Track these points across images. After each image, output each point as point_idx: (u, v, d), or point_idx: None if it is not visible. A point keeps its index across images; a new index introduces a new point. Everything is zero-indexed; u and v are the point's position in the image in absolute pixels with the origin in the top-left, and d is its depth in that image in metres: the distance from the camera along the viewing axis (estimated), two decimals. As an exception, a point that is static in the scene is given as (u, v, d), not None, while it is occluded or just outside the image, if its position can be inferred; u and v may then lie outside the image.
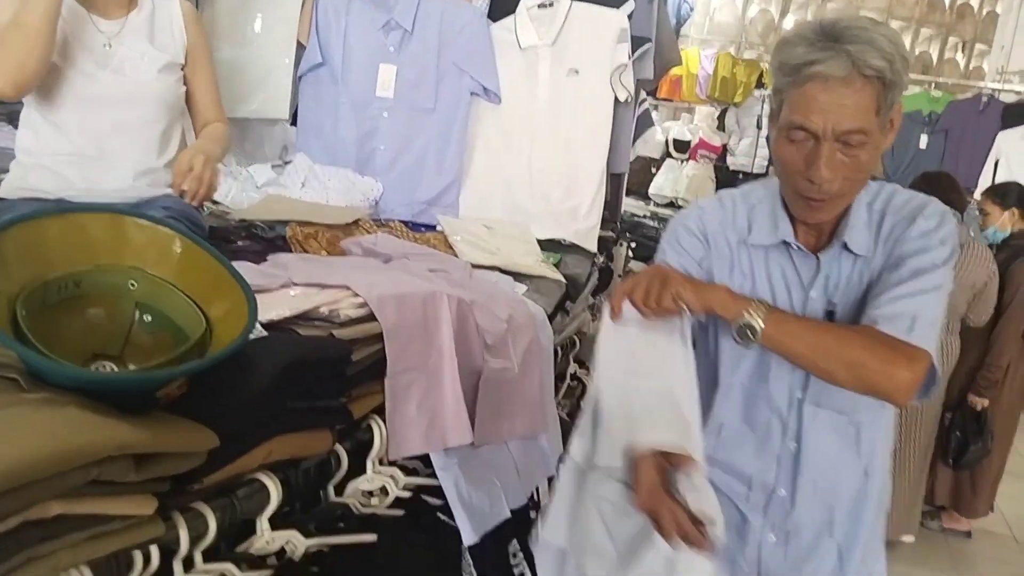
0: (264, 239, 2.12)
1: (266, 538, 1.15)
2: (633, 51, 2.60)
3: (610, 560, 1.19)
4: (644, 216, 5.97)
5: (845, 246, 1.27)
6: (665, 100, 7.36)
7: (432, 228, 2.50)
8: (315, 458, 1.28)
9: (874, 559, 1.42)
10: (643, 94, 3.07)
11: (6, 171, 1.89)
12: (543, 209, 2.64)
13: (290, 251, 2.00)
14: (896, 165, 5.73)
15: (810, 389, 1.31)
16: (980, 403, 3.53)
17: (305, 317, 1.41)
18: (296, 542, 1.18)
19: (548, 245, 2.54)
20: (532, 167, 2.66)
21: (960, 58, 9.12)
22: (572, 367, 2.42)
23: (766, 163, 6.16)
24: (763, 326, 1.15)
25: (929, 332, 1.16)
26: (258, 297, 1.17)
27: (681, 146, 7.07)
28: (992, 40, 6.96)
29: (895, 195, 1.29)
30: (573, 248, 2.61)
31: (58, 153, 1.83)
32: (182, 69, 1.97)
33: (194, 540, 1.01)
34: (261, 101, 2.74)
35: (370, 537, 1.27)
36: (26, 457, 0.76)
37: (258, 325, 1.23)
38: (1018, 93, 5.59)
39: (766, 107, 5.96)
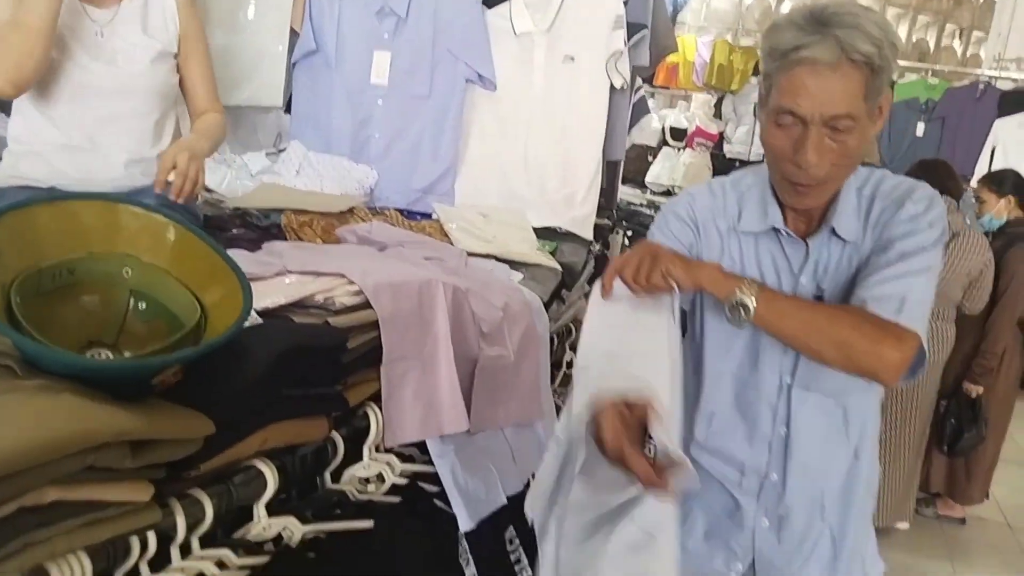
0: (259, 227, 2.12)
1: (263, 524, 1.15)
2: (629, 37, 2.59)
3: (588, 520, 1.20)
4: (641, 204, 5.96)
5: (834, 232, 1.27)
6: (662, 88, 7.35)
7: (427, 216, 2.50)
8: (311, 445, 1.28)
9: (864, 542, 1.44)
10: (639, 81, 3.06)
11: (-2, 159, 1.89)
12: (539, 197, 2.64)
13: (285, 239, 2.00)
14: (893, 153, 5.73)
15: (799, 374, 1.32)
16: (975, 390, 3.55)
17: (300, 305, 1.41)
18: (293, 528, 1.19)
19: (544, 233, 2.54)
20: (528, 154, 2.65)
21: (957, 45, 9.11)
22: (568, 355, 2.42)
23: (763, 151, 6.15)
24: (755, 304, 1.14)
25: (918, 313, 1.16)
26: (253, 285, 1.17)
27: (678, 134, 7.06)
28: (989, 27, 6.95)
29: (884, 180, 1.29)
30: (569, 236, 2.61)
31: (49, 143, 1.82)
32: (175, 58, 1.95)
33: (191, 526, 1.01)
34: (255, 88, 2.73)
35: (367, 524, 1.28)
36: (22, 443, 0.76)
37: (253, 313, 1.22)
38: (1015, 80, 5.59)
39: (762, 94, 5.93)
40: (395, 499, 1.40)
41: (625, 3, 2.59)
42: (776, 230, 1.31)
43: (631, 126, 3.09)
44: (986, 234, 3.57)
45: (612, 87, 2.64)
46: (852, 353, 1.14)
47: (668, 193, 6.55)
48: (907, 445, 3.45)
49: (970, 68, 6.82)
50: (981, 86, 5.52)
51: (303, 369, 1.21)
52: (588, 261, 2.57)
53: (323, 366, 1.28)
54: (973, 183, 4.60)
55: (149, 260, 1.13)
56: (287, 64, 2.71)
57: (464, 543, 1.53)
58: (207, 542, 1.08)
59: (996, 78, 5.64)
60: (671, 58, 6.27)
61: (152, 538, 0.96)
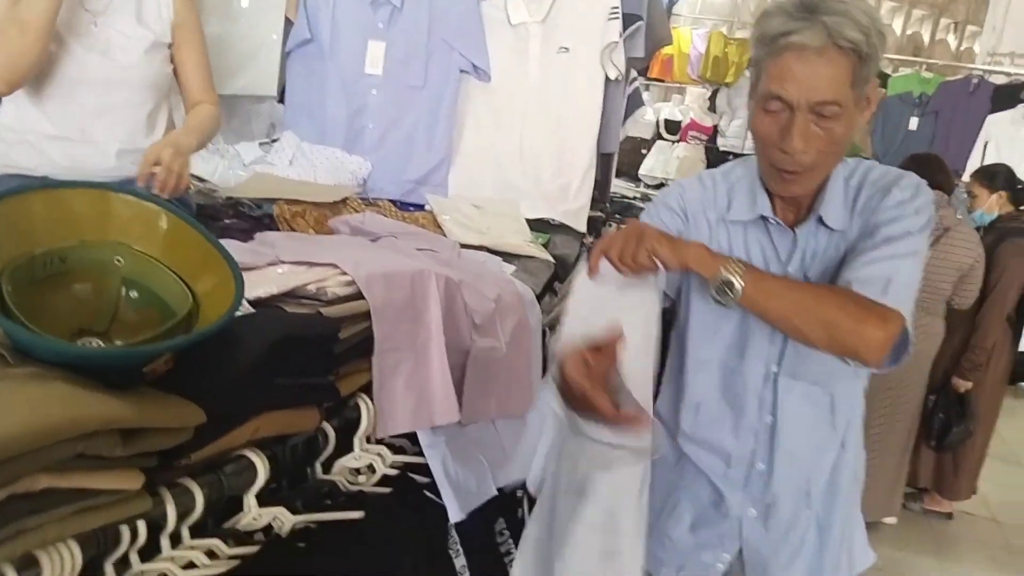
0: (251, 217, 2.11)
1: (253, 514, 1.15)
2: (624, 29, 2.59)
3: (558, 497, 1.21)
4: (634, 197, 5.95)
5: (821, 220, 1.29)
6: (656, 80, 7.35)
7: (421, 207, 2.50)
8: (302, 435, 1.28)
9: (851, 531, 1.45)
10: (634, 73, 3.06)
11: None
12: (533, 188, 2.64)
13: (277, 229, 2.00)
14: (886, 146, 5.75)
15: (785, 362, 1.33)
16: (964, 386, 3.56)
17: (292, 295, 1.40)
18: (283, 518, 1.19)
19: (537, 225, 2.55)
20: (523, 145, 2.65)
21: (952, 39, 9.13)
22: (560, 347, 2.43)
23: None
24: (741, 283, 1.14)
25: (903, 295, 1.17)
26: (245, 275, 1.16)
27: (672, 127, 7.06)
28: (983, 22, 6.95)
29: (872, 170, 1.31)
30: (562, 228, 2.61)
31: (41, 133, 1.82)
32: (169, 48, 1.94)
33: (181, 516, 1.01)
34: (249, 78, 2.73)
35: (357, 514, 1.28)
36: (13, 430, 0.76)
37: (245, 302, 1.22)
38: (1008, 75, 5.60)
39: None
40: (386, 490, 1.40)
41: (620, -6, 2.59)
42: (764, 219, 1.32)
43: (626, 118, 3.08)
44: (977, 229, 3.58)
45: (607, 78, 2.64)
46: (836, 332, 1.14)
47: (662, 186, 6.55)
48: (895, 440, 3.47)
49: (964, 62, 6.83)
50: (975, 81, 5.54)
51: (295, 359, 1.21)
52: (581, 253, 2.57)
53: (315, 356, 1.28)
54: (965, 178, 4.61)
55: (141, 248, 1.13)
56: (281, 53, 2.70)
57: (454, 534, 1.53)
58: (197, 532, 1.07)
59: (989, 72, 5.66)
60: (666, 50, 6.27)
61: (142, 527, 0.96)
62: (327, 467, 1.37)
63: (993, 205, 3.73)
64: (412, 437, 1.52)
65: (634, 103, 3.39)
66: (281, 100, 2.79)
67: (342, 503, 1.31)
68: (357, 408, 1.39)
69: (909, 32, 8.73)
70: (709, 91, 7.29)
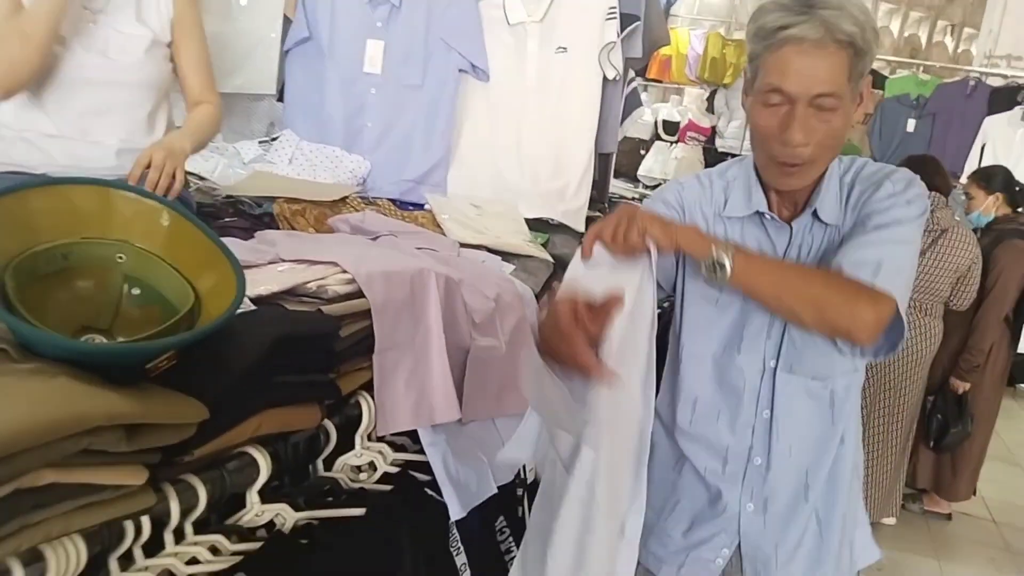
0: (251, 216, 2.12)
1: (256, 511, 1.16)
2: (622, 29, 2.60)
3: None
4: (633, 198, 5.96)
5: (816, 216, 1.30)
6: (655, 81, 7.36)
7: (420, 207, 2.50)
8: (304, 433, 1.29)
9: (852, 527, 1.46)
10: (632, 73, 3.06)
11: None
12: (531, 188, 2.64)
13: (277, 228, 2.00)
14: (884, 148, 5.76)
15: (783, 357, 1.34)
16: (962, 387, 3.57)
17: (293, 293, 1.41)
18: (286, 515, 1.19)
19: (536, 225, 2.54)
20: (521, 145, 2.65)
21: (949, 41, 9.15)
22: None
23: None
24: (732, 262, 1.14)
25: (895, 280, 1.18)
26: (246, 272, 1.17)
27: (670, 128, 7.07)
28: (981, 24, 6.97)
29: (865, 167, 1.33)
30: (561, 228, 2.61)
31: (40, 131, 1.81)
32: (169, 46, 1.93)
33: (184, 512, 1.01)
34: (247, 76, 2.73)
35: (358, 511, 1.28)
36: (18, 424, 0.76)
37: (246, 300, 1.23)
38: (1005, 77, 5.62)
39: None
40: (387, 487, 1.41)
41: (618, -6, 2.59)
42: (760, 214, 1.34)
43: (624, 118, 3.09)
44: (974, 230, 3.59)
45: (605, 78, 2.64)
46: (826, 311, 1.15)
47: (660, 187, 6.56)
48: (894, 440, 3.48)
49: (961, 64, 6.85)
50: (972, 83, 5.55)
51: (296, 356, 1.22)
52: (580, 253, 2.57)
53: (316, 354, 1.28)
54: (963, 180, 4.62)
55: (143, 245, 1.13)
56: (280, 52, 2.70)
57: (455, 532, 1.53)
58: (200, 528, 1.08)
59: (987, 74, 5.67)
60: (664, 51, 6.28)
61: (146, 523, 0.96)
62: (328, 464, 1.37)
63: (990, 207, 3.74)
64: (413, 435, 1.52)
65: (632, 103, 3.40)
66: (280, 98, 2.79)
67: (344, 500, 1.32)
68: (358, 406, 1.40)
69: (906, 34, 8.75)
70: (707, 92, 7.31)
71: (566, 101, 2.64)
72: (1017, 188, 3.78)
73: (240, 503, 1.16)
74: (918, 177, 1.30)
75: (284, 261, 1.52)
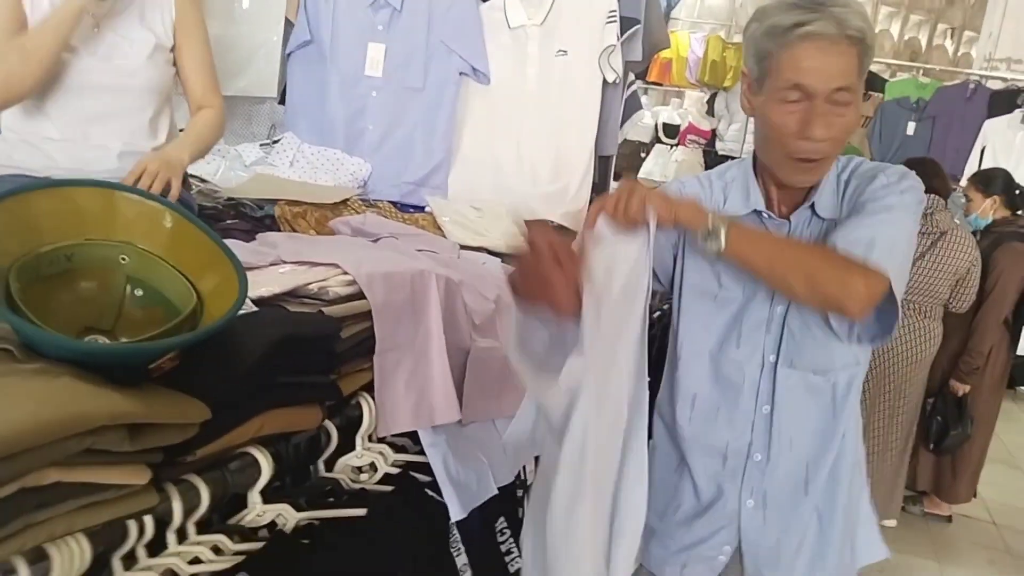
0: (253, 218, 2.12)
1: (257, 511, 1.16)
2: (622, 32, 2.61)
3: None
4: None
5: (814, 210, 1.33)
6: (655, 84, 7.37)
7: (420, 209, 2.51)
8: (305, 434, 1.29)
9: (854, 524, 1.46)
10: (632, 76, 3.07)
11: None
12: (531, 190, 2.65)
13: (279, 230, 2.01)
14: (884, 151, 5.75)
15: (783, 351, 1.34)
16: (961, 389, 3.57)
17: (294, 294, 1.41)
18: (287, 515, 1.20)
19: (536, 227, 2.55)
20: (521, 148, 2.66)
21: (949, 44, 9.15)
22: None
23: (754, 149, 6.18)
24: (727, 232, 1.16)
25: (888, 258, 1.19)
26: (248, 274, 1.17)
27: (670, 131, 7.08)
28: (980, 27, 6.98)
29: (861, 164, 1.35)
30: (561, 230, 2.62)
31: (43, 135, 1.82)
32: (171, 51, 1.94)
33: (187, 512, 1.02)
34: (249, 79, 2.74)
35: (359, 511, 1.29)
36: (22, 423, 0.77)
37: (248, 301, 1.23)
38: (1005, 80, 5.62)
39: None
40: (388, 488, 1.41)
41: (618, -2, 2.60)
42: (758, 212, 1.36)
43: (624, 121, 3.10)
44: (973, 233, 3.59)
45: (605, 81, 2.65)
46: (818, 280, 1.16)
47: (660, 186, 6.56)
48: (894, 443, 3.48)
49: (961, 67, 6.86)
50: (972, 86, 5.55)
51: (298, 357, 1.22)
52: (580, 255, 2.58)
53: (317, 355, 1.29)
54: (963, 183, 4.62)
55: (146, 247, 1.14)
56: (282, 55, 2.71)
57: (456, 532, 1.54)
58: (203, 528, 1.08)
59: (986, 78, 5.67)
60: (664, 54, 6.29)
61: (149, 522, 0.97)
62: (330, 465, 1.37)
63: (987, 210, 3.74)
64: (413, 436, 1.53)
65: (632, 106, 3.40)
66: (282, 101, 2.80)
67: (345, 501, 1.32)
68: (359, 407, 1.40)
69: (906, 37, 8.76)
70: (707, 95, 7.32)
71: (566, 104, 2.65)
72: (1017, 191, 3.79)
73: (242, 503, 1.17)
74: (914, 172, 1.32)
75: (285, 263, 1.52)
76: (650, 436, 1.49)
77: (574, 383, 1.16)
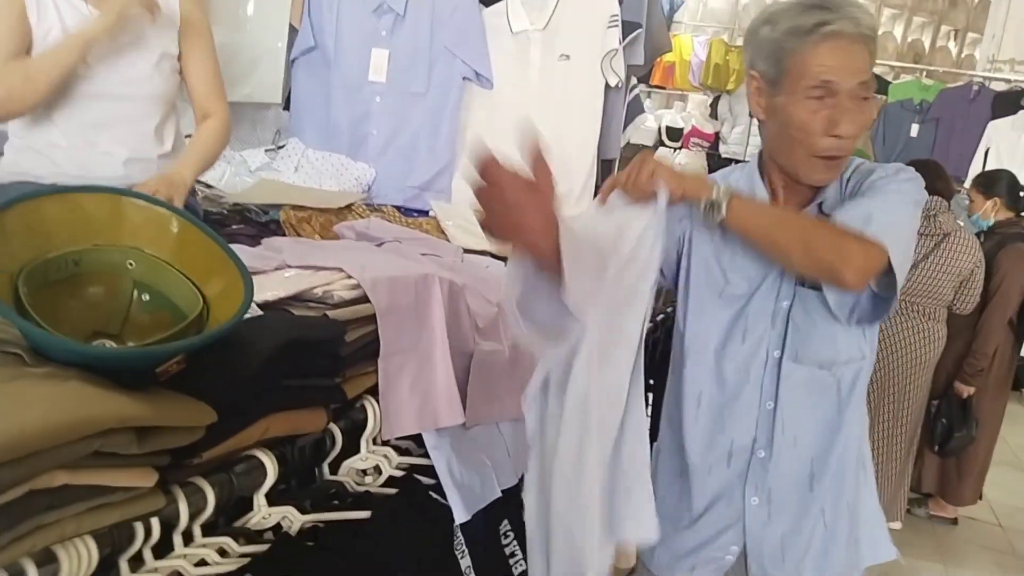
0: (258, 223, 2.13)
1: (263, 513, 1.17)
2: (624, 36, 2.62)
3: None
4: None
5: (820, 208, 1.34)
6: (658, 88, 7.38)
7: (424, 213, 2.52)
8: (310, 437, 1.30)
9: (858, 523, 1.45)
10: (634, 80, 3.09)
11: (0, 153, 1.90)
12: (535, 194, 2.66)
13: (284, 235, 2.02)
14: (887, 153, 5.75)
15: (788, 346, 1.35)
16: (966, 391, 3.57)
17: (299, 298, 1.42)
18: (292, 518, 1.21)
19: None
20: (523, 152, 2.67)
21: (952, 46, 9.13)
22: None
23: (759, 151, 6.18)
24: (728, 202, 1.21)
25: (887, 232, 1.21)
26: (253, 278, 1.18)
27: (674, 134, 7.08)
28: (984, 29, 6.98)
29: (863, 165, 1.38)
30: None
31: (49, 142, 1.84)
32: (177, 59, 1.95)
33: (193, 514, 1.03)
34: (254, 85, 2.75)
35: (364, 514, 1.29)
36: (31, 427, 0.78)
37: (253, 305, 1.24)
38: (1008, 82, 5.62)
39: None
40: (392, 491, 1.42)
41: (620, 2, 2.62)
42: None
43: (627, 124, 3.11)
44: (977, 234, 3.59)
45: (607, 85, 2.66)
46: (815, 247, 1.19)
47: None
48: (899, 445, 3.47)
49: (964, 69, 6.85)
50: (975, 87, 5.54)
51: (303, 361, 1.23)
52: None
53: (322, 358, 1.30)
54: (967, 184, 4.62)
55: (153, 252, 1.15)
56: (286, 61, 2.73)
57: (460, 535, 1.55)
58: (209, 530, 1.09)
59: (990, 79, 5.67)
60: (667, 58, 6.30)
61: (156, 525, 0.98)
62: (334, 468, 1.38)
63: (988, 211, 3.73)
64: (418, 439, 1.54)
65: (635, 110, 3.41)
66: (286, 107, 2.82)
67: (349, 503, 1.33)
68: (364, 410, 1.41)
69: (910, 39, 8.74)
70: (710, 98, 7.32)
71: (569, 108, 2.66)
72: (1021, 192, 3.78)
73: (247, 505, 1.17)
74: (912, 169, 1.33)
75: (290, 267, 1.53)
76: (654, 439, 1.50)
77: (573, 340, 1.18)
